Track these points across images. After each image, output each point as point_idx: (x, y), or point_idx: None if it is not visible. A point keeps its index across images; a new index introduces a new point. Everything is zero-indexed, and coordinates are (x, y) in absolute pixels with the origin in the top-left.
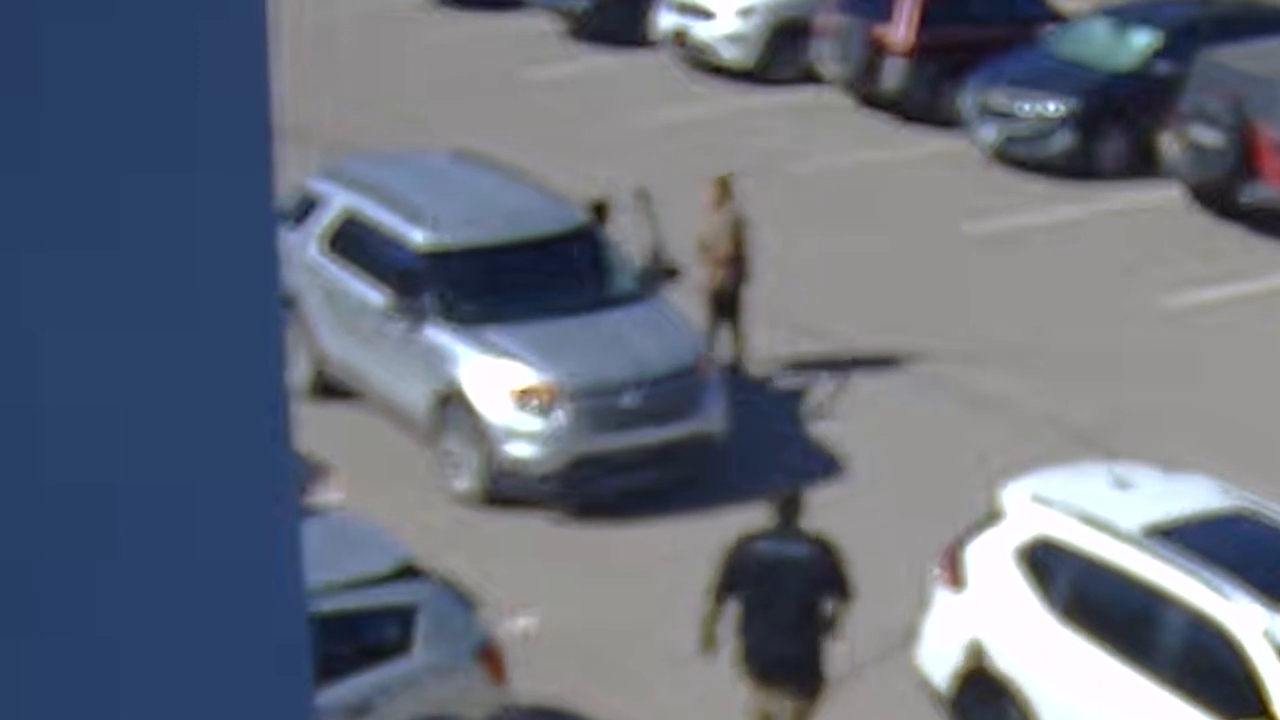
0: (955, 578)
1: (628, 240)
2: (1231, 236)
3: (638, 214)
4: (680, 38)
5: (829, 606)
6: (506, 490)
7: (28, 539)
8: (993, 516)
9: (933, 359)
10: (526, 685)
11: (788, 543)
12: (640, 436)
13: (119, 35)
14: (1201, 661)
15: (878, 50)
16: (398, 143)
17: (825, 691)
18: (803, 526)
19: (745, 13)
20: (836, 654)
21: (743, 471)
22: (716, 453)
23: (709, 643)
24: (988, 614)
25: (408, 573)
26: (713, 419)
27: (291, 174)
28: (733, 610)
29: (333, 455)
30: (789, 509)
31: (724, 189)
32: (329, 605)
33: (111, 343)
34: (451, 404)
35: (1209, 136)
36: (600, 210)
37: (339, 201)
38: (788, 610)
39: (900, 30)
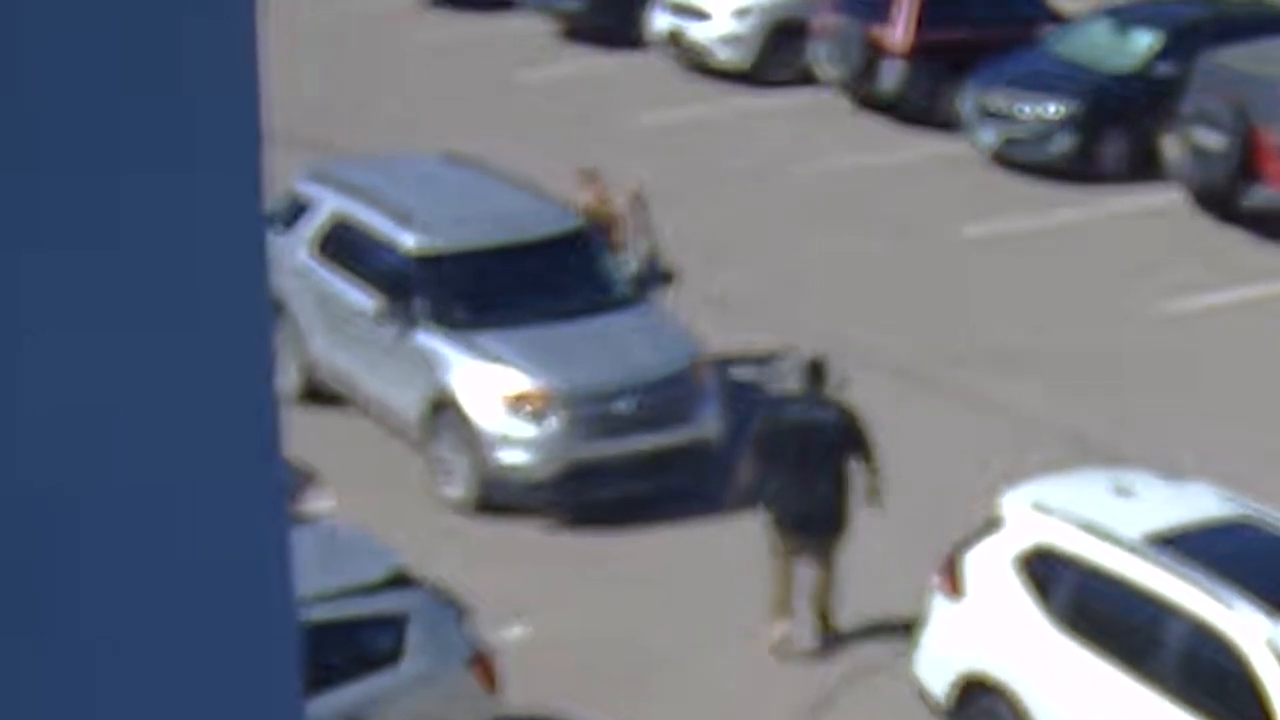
0: (954, 586)
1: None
2: (1233, 240)
3: (634, 218)
4: (675, 39)
5: (852, 465)
6: (499, 497)
7: (14, 545)
8: (992, 524)
9: (931, 363)
10: (519, 694)
11: (814, 408)
12: (634, 443)
13: (107, 36)
14: (1204, 671)
15: (875, 51)
16: (388, 145)
17: (846, 540)
18: (827, 393)
19: (741, 13)
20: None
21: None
22: (711, 459)
23: (738, 493)
24: (987, 623)
25: (399, 581)
26: (708, 425)
27: (281, 177)
28: (766, 469)
29: (323, 462)
30: (814, 376)
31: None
32: (320, 614)
33: (97, 347)
34: (443, 410)
35: (1211, 139)
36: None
37: (329, 205)
38: (815, 467)
39: (898, 31)
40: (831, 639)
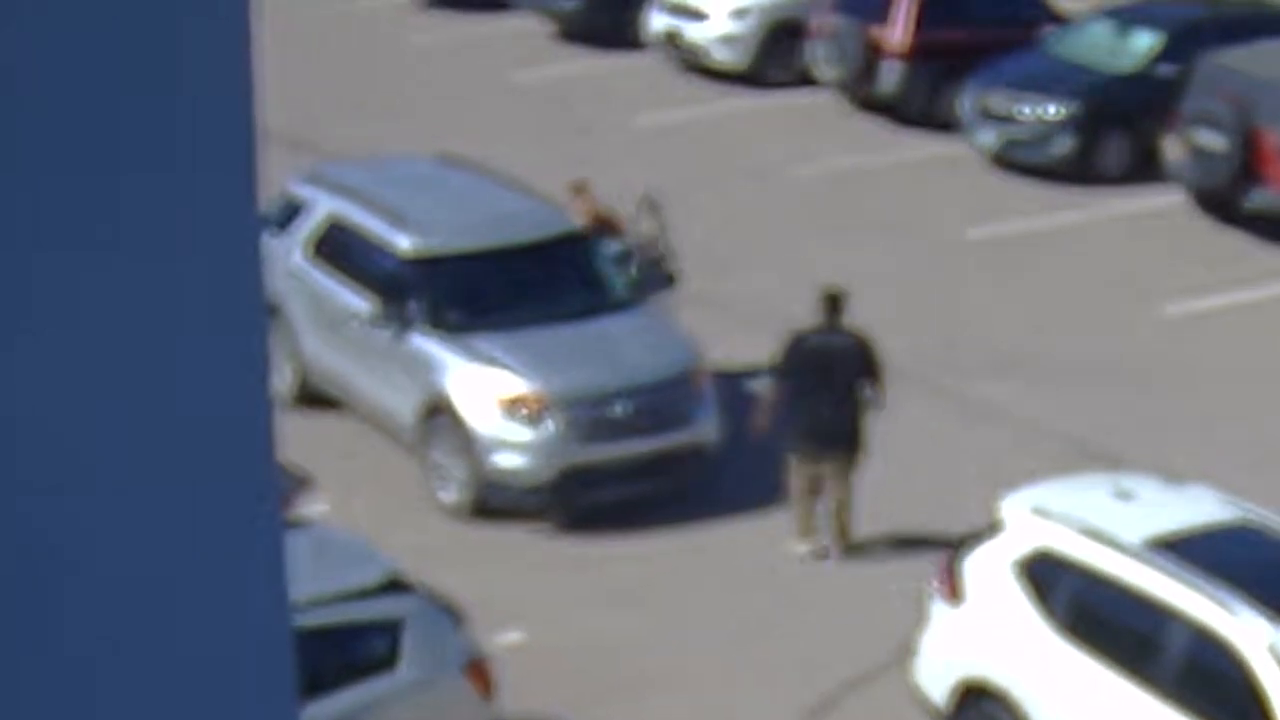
0: (953, 591)
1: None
2: (1235, 242)
3: (647, 220)
4: (672, 39)
5: (867, 388)
6: (495, 502)
7: (6, 547)
8: (992, 528)
9: (929, 366)
10: (514, 701)
11: (832, 335)
12: (631, 447)
13: (100, 37)
14: (1205, 677)
15: (874, 52)
16: (384, 146)
17: (862, 457)
18: (843, 322)
19: (739, 14)
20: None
21: (735, 483)
22: (709, 463)
23: (763, 425)
24: (987, 628)
25: (394, 586)
26: (705, 429)
27: (275, 178)
28: (788, 394)
29: (317, 466)
30: (832, 307)
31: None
32: (313, 619)
33: (89, 349)
34: (438, 414)
35: (1212, 140)
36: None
37: (323, 207)
38: (833, 390)
39: (897, 32)
40: (853, 553)
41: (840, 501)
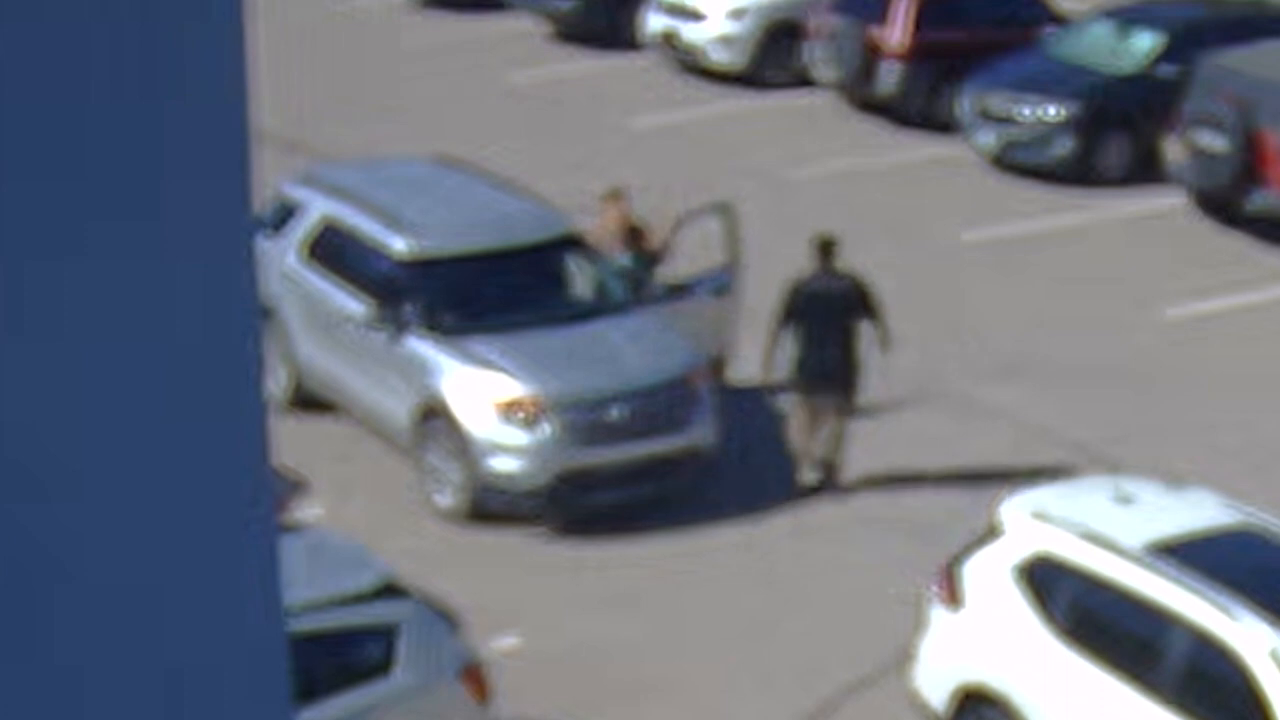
0: (952, 596)
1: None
2: (1237, 245)
3: (724, 226)
4: (669, 40)
5: (868, 328)
6: (491, 506)
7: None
8: (991, 533)
9: (928, 369)
10: (510, 706)
11: (829, 279)
12: (628, 450)
13: (95, 40)
14: (1206, 682)
15: (873, 53)
16: (378, 147)
17: (859, 394)
18: (839, 266)
19: (736, 14)
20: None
21: (733, 487)
22: (707, 467)
23: (768, 368)
24: (986, 633)
25: (389, 591)
26: (702, 432)
27: (269, 180)
28: (790, 336)
29: (312, 470)
30: (826, 252)
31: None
32: (308, 624)
33: (82, 352)
34: (434, 417)
35: (1214, 142)
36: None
37: (318, 209)
38: (829, 332)
39: (896, 32)
40: (835, 489)
41: (833, 436)
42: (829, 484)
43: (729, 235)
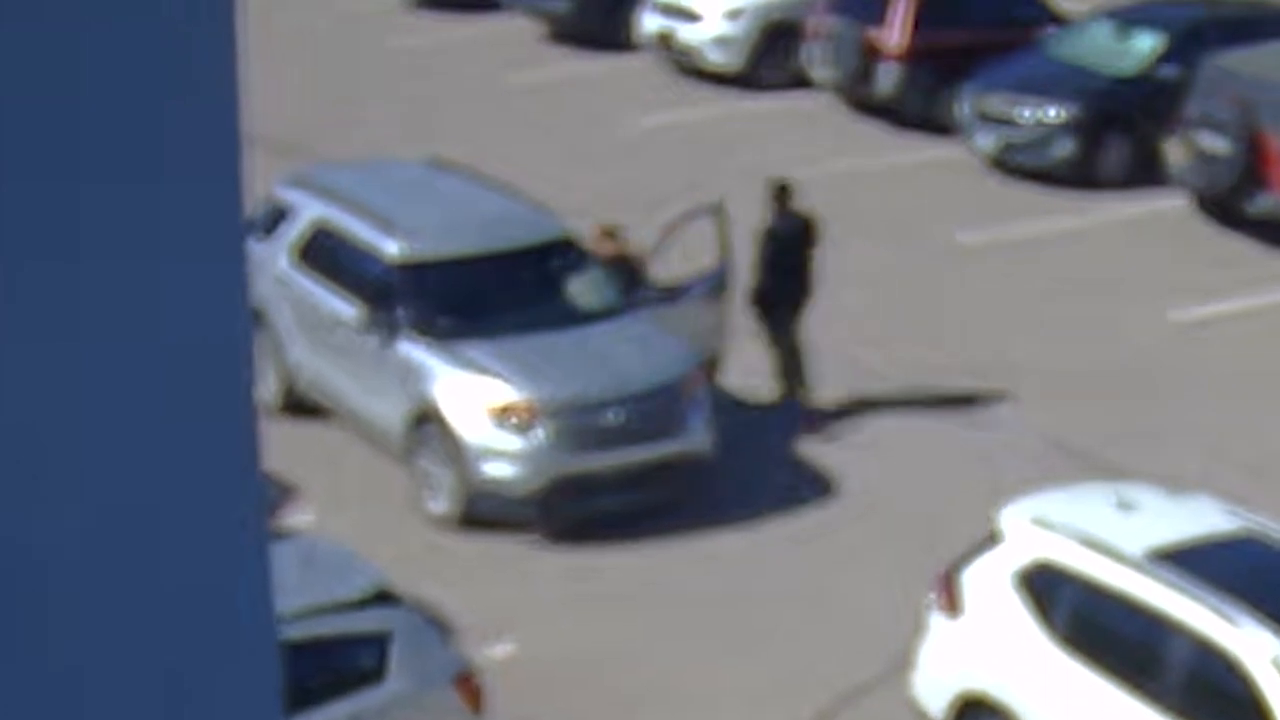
0: (952, 603)
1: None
2: (1239, 247)
3: (716, 228)
4: (665, 41)
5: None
6: (484, 512)
7: None
8: (991, 539)
9: (928, 373)
10: (504, 714)
11: (785, 218)
12: (623, 456)
13: (86, 42)
14: (1208, 690)
15: (871, 54)
16: (371, 150)
17: (795, 323)
18: (793, 207)
19: (733, 15)
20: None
21: (729, 493)
22: (702, 473)
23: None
24: (986, 641)
25: (381, 598)
26: (698, 437)
27: (261, 183)
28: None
29: (303, 476)
30: (782, 195)
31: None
32: (300, 631)
33: (72, 356)
34: (427, 422)
35: (1215, 143)
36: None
37: (309, 212)
38: (774, 264)
39: (894, 33)
40: (808, 415)
41: (779, 360)
42: (791, 400)
43: (721, 237)
